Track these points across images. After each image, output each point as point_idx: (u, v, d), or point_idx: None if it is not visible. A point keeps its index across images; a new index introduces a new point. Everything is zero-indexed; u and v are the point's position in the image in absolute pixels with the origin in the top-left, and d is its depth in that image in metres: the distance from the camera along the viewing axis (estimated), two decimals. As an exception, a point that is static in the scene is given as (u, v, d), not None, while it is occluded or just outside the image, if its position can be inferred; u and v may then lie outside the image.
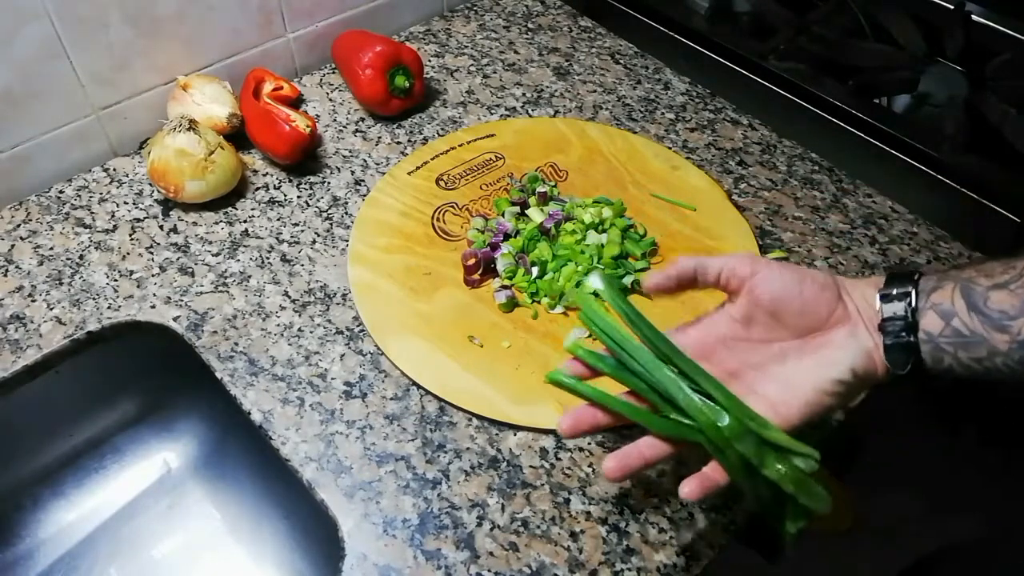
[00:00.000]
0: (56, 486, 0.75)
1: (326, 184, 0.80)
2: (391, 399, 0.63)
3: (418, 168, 0.81)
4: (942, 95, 0.84)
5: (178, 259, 0.73)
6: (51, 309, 0.69)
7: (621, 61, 0.97)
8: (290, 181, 0.81)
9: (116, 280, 0.71)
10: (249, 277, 0.72)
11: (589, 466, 0.60)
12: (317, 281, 0.71)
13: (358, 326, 0.68)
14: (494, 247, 0.72)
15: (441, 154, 0.82)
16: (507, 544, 0.55)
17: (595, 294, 0.58)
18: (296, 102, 0.88)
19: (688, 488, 0.46)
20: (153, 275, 0.72)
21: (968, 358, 0.44)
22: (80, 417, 0.74)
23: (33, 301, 0.69)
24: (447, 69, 0.95)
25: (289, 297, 0.70)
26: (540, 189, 0.76)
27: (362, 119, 0.88)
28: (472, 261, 0.70)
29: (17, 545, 0.72)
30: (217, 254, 0.74)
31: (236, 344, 0.66)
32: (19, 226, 0.75)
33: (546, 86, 0.93)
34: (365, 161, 0.83)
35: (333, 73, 0.94)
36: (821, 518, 0.47)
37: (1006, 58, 0.83)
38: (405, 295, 0.69)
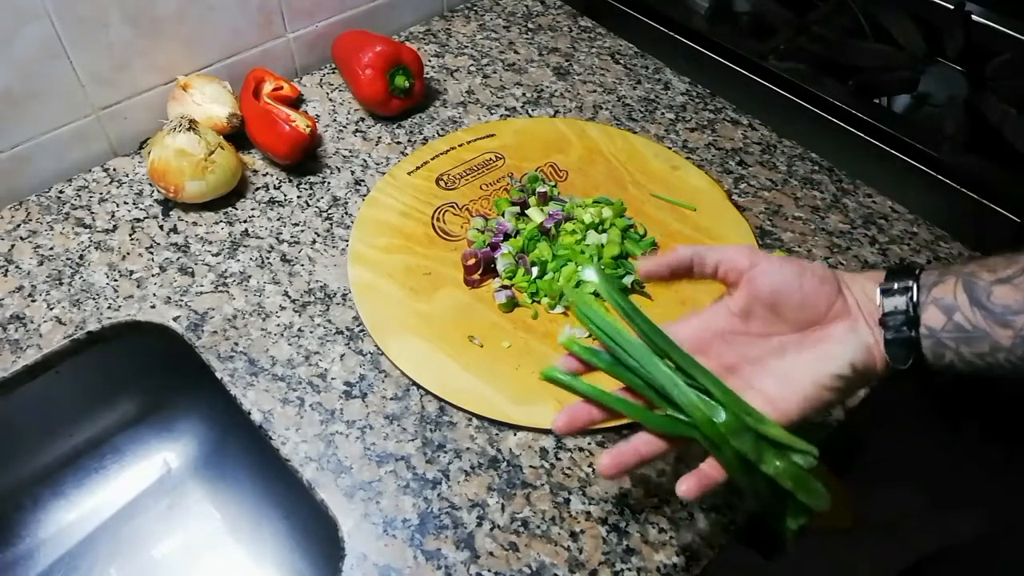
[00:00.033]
0: (56, 486, 0.75)
1: (326, 184, 0.80)
2: (391, 399, 0.63)
3: (418, 168, 0.81)
4: (942, 95, 0.84)
5: (178, 259, 0.73)
6: (51, 309, 0.69)
7: (621, 61, 0.97)
8: (290, 181, 0.81)
9: (116, 280, 0.71)
10: (249, 277, 0.72)
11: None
12: (317, 281, 0.71)
13: (358, 326, 0.68)
14: (494, 247, 0.72)
15: (441, 154, 0.82)
16: (507, 544, 0.55)
17: (595, 294, 0.58)
18: (296, 102, 0.88)
19: (685, 486, 0.45)
20: (153, 275, 0.72)
21: (970, 353, 0.44)
22: (80, 417, 0.74)
23: (33, 301, 0.69)
24: (447, 69, 0.95)
25: (289, 297, 0.70)
26: (540, 189, 0.76)
27: (362, 119, 0.88)
28: (472, 261, 0.70)
29: (17, 545, 0.72)
30: (217, 254, 0.74)
31: (236, 344, 0.66)
32: (19, 226, 0.75)
33: (546, 86, 0.93)
34: (365, 161, 0.83)
35: (333, 73, 0.94)
36: (821, 516, 0.46)
37: (1006, 58, 0.83)
38: (405, 295, 0.69)
